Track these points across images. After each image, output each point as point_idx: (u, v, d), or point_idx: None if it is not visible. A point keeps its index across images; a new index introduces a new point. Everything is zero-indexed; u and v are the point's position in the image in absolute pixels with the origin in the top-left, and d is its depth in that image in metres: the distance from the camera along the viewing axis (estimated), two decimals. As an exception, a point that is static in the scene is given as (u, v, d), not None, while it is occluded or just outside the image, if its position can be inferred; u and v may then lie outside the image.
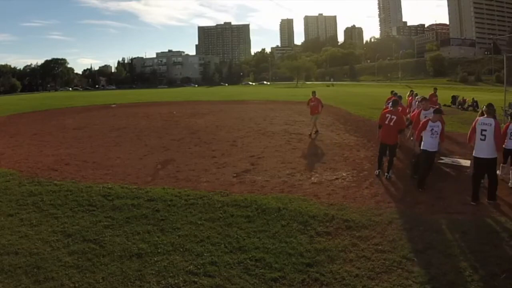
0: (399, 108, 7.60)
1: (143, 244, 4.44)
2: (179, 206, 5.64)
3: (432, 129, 6.22)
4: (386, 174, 7.19)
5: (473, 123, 5.91)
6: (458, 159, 8.41)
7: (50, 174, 7.61)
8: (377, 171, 7.35)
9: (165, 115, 19.51)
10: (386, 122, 7.17)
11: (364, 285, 3.57)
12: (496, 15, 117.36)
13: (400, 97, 9.67)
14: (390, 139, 7.17)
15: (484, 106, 5.97)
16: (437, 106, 8.67)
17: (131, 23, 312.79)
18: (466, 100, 21.61)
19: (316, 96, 12.57)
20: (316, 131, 12.35)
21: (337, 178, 7.13)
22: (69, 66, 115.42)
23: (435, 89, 14.63)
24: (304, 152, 9.75)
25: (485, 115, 5.81)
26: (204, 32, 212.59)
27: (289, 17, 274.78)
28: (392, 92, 11.74)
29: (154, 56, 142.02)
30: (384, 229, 4.76)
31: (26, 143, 11.64)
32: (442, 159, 8.51)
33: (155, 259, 4.09)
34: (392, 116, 7.12)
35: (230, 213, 5.32)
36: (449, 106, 21.76)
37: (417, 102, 9.83)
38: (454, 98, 23.19)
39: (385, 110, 7.87)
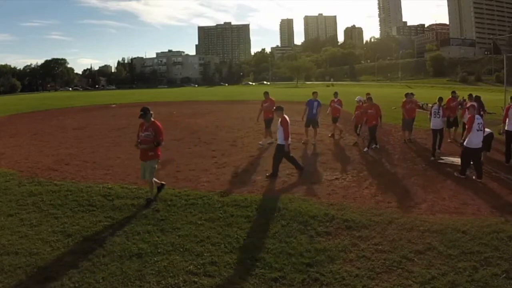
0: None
1: (143, 244, 4.44)
2: (179, 206, 5.64)
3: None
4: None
5: (505, 110, 7.83)
6: (459, 159, 8.38)
7: (50, 174, 7.60)
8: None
9: (165, 115, 19.48)
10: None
11: (364, 285, 3.57)
12: (496, 15, 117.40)
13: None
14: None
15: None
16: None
17: (131, 23, 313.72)
18: (466, 100, 21.53)
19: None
20: None
21: (337, 178, 7.14)
22: (69, 66, 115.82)
23: (412, 94, 14.45)
24: (304, 152, 9.76)
25: None
26: (204, 32, 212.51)
27: (289, 17, 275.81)
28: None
29: (154, 56, 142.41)
30: (384, 229, 4.76)
31: (26, 143, 11.64)
32: (442, 159, 8.51)
33: (155, 259, 4.09)
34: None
35: (230, 213, 5.32)
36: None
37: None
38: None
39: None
